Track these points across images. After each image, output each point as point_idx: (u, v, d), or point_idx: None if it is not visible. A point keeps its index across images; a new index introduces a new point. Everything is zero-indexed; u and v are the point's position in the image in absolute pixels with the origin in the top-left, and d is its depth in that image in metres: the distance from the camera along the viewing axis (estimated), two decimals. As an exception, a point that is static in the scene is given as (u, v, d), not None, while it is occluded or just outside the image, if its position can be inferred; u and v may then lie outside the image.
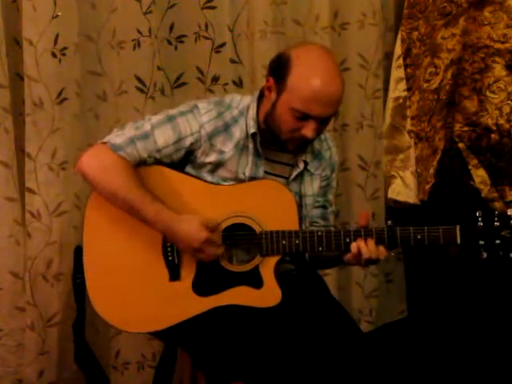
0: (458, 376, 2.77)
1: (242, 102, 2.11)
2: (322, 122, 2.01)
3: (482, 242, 1.97)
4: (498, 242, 1.97)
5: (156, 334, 2.13)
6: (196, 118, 2.05)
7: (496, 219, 1.98)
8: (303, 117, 1.98)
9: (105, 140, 2.04)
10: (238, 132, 2.08)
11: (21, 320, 2.57)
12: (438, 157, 2.97)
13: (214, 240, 1.99)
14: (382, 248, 1.99)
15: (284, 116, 2.00)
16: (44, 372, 2.60)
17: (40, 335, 2.58)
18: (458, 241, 1.98)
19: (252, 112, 2.08)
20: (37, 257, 2.54)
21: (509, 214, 1.97)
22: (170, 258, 2.03)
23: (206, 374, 2.11)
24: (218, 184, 2.07)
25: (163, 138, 2.04)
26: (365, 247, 1.97)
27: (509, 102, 2.86)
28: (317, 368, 1.93)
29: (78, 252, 2.08)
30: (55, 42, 2.45)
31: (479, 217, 1.98)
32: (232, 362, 1.96)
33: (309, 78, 1.96)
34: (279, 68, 2.02)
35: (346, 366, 1.95)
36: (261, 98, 2.11)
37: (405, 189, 3.03)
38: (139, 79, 2.62)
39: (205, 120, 2.05)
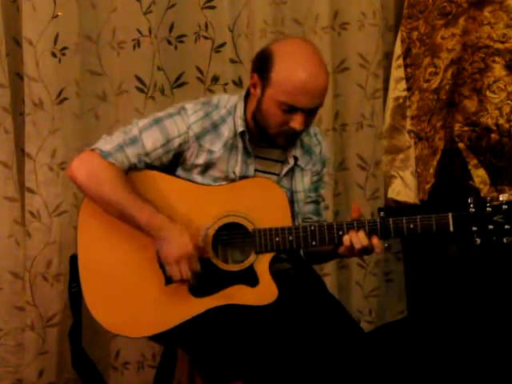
0: (457, 376, 2.77)
1: (230, 102, 2.11)
2: (309, 113, 2.02)
3: (474, 228, 1.97)
4: (490, 227, 1.96)
5: (154, 338, 2.12)
6: (183, 119, 2.05)
7: (488, 205, 1.97)
8: (290, 109, 1.98)
9: (94, 147, 2.04)
10: (226, 131, 2.08)
11: (20, 320, 2.57)
12: (437, 157, 2.97)
13: (195, 260, 1.97)
14: (375, 239, 1.99)
15: (271, 110, 2.01)
16: (44, 372, 2.60)
17: (40, 335, 2.58)
18: (451, 228, 1.97)
19: (239, 111, 2.08)
20: (37, 257, 2.54)
21: (500, 199, 1.97)
22: None
23: (204, 375, 2.11)
24: (209, 185, 2.07)
25: (151, 140, 2.04)
26: (356, 238, 1.98)
27: (509, 101, 2.86)
28: (316, 367, 1.93)
29: (73, 261, 2.08)
30: (55, 42, 2.45)
31: (471, 203, 1.98)
32: (231, 361, 1.96)
33: (293, 70, 1.97)
34: (262, 63, 2.02)
35: (345, 365, 1.95)
36: (247, 96, 2.11)
37: (405, 189, 3.03)
38: (139, 79, 2.62)
39: (192, 120, 2.05)
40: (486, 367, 2.79)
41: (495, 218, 1.96)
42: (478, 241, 1.98)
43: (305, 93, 1.97)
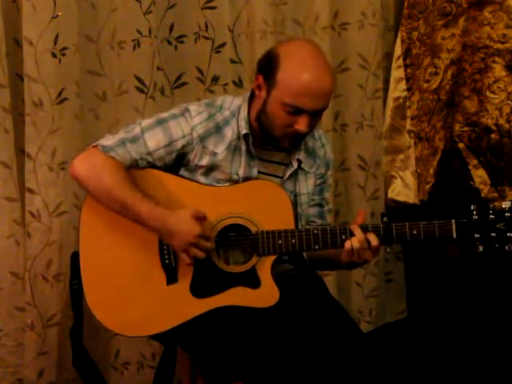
0: (457, 376, 2.77)
1: (234, 103, 2.11)
2: (314, 116, 2.01)
3: (477, 236, 1.97)
4: (493, 234, 1.96)
5: (155, 337, 2.13)
6: (187, 121, 2.05)
7: (491, 212, 1.97)
8: (295, 111, 1.98)
9: (95, 143, 2.05)
10: (229, 133, 2.08)
11: (20, 320, 2.57)
12: (437, 157, 2.97)
13: (206, 234, 1.98)
14: (373, 237, 1.98)
15: (276, 112, 2.00)
16: (44, 372, 2.60)
17: (40, 335, 2.58)
18: (454, 235, 1.97)
19: (243, 113, 2.08)
20: (37, 257, 2.54)
21: (503, 206, 1.97)
22: (166, 261, 2.03)
23: (206, 373, 2.11)
24: (213, 185, 2.07)
25: (154, 140, 2.04)
26: (355, 239, 1.97)
27: (509, 102, 2.86)
28: (316, 368, 1.93)
29: (75, 257, 2.08)
30: (55, 42, 2.46)
31: (474, 210, 1.98)
32: (231, 362, 1.96)
33: (298, 71, 1.97)
34: (268, 65, 2.02)
35: (345, 366, 1.94)
36: (252, 98, 2.11)
37: (405, 189, 3.03)
38: (139, 79, 2.62)
39: (196, 122, 2.05)
40: (485, 367, 2.79)
41: (498, 226, 1.96)
42: (481, 248, 1.98)
43: (310, 95, 1.96)
